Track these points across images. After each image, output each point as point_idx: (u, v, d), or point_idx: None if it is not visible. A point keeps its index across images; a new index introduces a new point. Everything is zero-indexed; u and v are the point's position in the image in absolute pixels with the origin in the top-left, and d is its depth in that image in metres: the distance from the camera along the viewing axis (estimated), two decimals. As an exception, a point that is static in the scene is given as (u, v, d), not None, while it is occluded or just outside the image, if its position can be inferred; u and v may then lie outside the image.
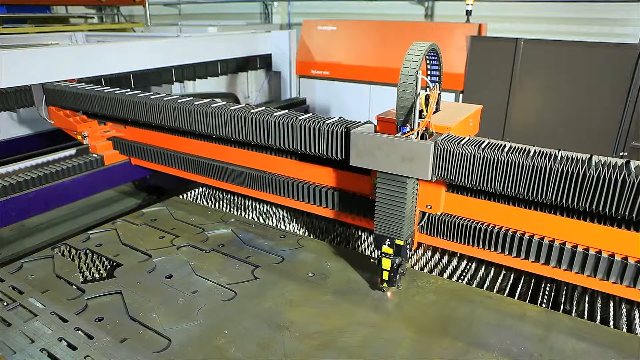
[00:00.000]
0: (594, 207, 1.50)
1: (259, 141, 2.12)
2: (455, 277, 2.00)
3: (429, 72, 1.93)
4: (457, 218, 1.87)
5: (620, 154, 3.86)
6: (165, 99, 2.40)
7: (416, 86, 1.60)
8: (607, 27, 5.82)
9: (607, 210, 1.49)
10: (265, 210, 2.64)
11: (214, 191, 2.94)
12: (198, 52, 4.33)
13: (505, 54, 4.14)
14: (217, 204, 2.77)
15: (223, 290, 1.83)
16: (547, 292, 1.88)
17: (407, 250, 1.80)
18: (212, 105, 2.24)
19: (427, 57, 1.90)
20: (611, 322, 1.70)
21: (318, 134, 1.93)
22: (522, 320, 1.65)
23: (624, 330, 1.68)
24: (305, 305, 1.74)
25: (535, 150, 1.62)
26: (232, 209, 2.69)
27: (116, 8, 10.84)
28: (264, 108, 2.19)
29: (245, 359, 1.48)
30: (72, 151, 3.23)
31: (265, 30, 5.24)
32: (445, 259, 2.14)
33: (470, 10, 5.03)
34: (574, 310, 1.83)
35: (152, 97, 2.46)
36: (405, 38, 4.62)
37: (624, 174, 1.45)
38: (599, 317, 1.76)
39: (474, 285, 1.93)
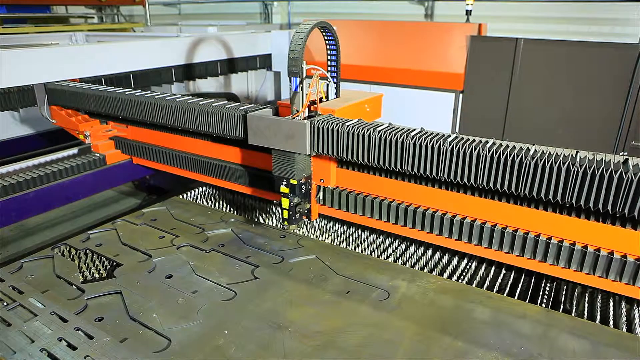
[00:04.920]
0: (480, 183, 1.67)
1: (186, 127, 2.38)
2: (455, 277, 2.00)
3: (329, 63, 2.23)
4: (346, 190, 2.09)
5: (621, 153, 3.86)
6: (148, 96, 2.50)
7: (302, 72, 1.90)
8: (607, 27, 5.82)
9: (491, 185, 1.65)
10: (265, 210, 2.64)
11: (214, 191, 2.94)
12: (198, 52, 4.33)
13: (505, 54, 4.13)
14: (217, 203, 2.77)
15: (223, 290, 1.83)
16: (547, 292, 1.88)
17: (302, 191, 2.03)
18: (156, 96, 2.47)
19: (329, 54, 2.22)
20: (611, 322, 1.70)
21: (226, 118, 2.18)
22: (522, 320, 1.65)
23: (624, 330, 1.68)
24: (305, 305, 1.74)
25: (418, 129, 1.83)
26: (232, 209, 2.68)
27: (116, 8, 10.83)
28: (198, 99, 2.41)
29: (245, 359, 1.48)
30: (74, 150, 3.22)
31: (265, 30, 5.24)
32: (445, 259, 2.14)
33: (470, 10, 5.02)
34: (573, 310, 1.83)
35: (146, 96, 2.51)
36: (405, 38, 4.61)
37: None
38: (599, 317, 1.76)
39: (474, 285, 1.93)
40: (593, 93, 3.86)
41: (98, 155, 2.91)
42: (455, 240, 1.89)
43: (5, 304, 1.74)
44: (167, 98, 2.42)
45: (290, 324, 1.64)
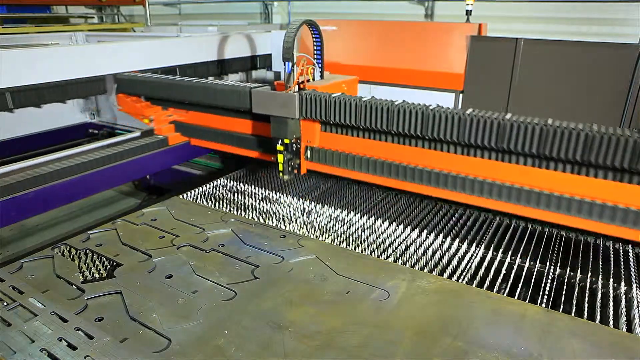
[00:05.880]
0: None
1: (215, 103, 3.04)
2: (455, 277, 2.00)
3: (315, 52, 2.87)
4: (327, 149, 2.70)
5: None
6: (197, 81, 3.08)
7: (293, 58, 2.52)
8: (607, 27, 5.82)
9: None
10: (265, 210, 2.64)
11: (214, 191, 2.94)
12: (198, 52, 4.33)
13: (505, 54, 4.13)
14: (217, 203, 2.77)
15: (223, 290, 1.83)
16: (546, 292, 1.88)
17: (293, 149, 2.66)
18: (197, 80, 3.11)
19: (315, 45, 2.85)
20: (611, 322, 1.70)
21: (241, 94, 2.80)
22: (522, 320, 1.65)
23: (624, 330, 1.68)
24: (305, 305, 1.74)
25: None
26: (232, 209, 2.68)
27: (116, 8, 10.82)
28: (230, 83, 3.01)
29: (245, 359, 1.48)
30: (137, 133, 3.51)
31: (265, 30, 5.23)
32: (445, 259, 2.14)
33: (470, 10, 5.02)
34: (573, 310, 1.83)
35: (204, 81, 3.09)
36: (405, 38, 4.61)
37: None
38: (599, 317, 1.76)
39: (474, 285, 1.93)
40: (593, 93, 3.86)
41: (161, 137, 3.31)
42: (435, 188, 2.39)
43: (5, 304, 1.74)
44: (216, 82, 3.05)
45: (290, 324, 1.64)
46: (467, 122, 2.15)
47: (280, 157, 2.63)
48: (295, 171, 2.73)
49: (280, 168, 2.66)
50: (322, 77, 2.92)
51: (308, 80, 2.75)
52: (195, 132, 3.37)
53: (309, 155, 2.73)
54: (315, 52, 2.85)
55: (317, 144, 2.73)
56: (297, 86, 2.60)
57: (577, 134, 1.94)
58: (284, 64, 2.54)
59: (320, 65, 2.89)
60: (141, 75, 3.43)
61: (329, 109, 2.49)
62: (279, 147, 2.62)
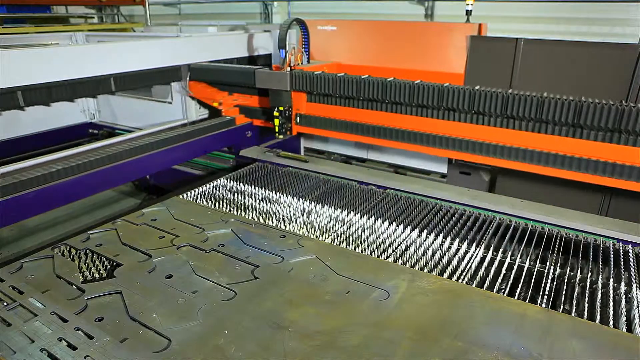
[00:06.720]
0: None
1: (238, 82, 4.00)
2: (455, 277, 2.00)
3: (303, 42, 3.92)
4: (311, 115, 3.62)
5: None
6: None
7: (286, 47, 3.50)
8: (607, 27, 5.82)
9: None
10: (265, 210, 2.64)
11: (214, 191, 2.94)
12: (198, 52, 4.32)
13: (505, 54, 4.13)
14: (217, 203, 2.77)
15: (223, 290, 1.83)
16: (546, 292, 1.88)
17: (286, 115, 3.60)
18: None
19: (303, 37, 3.92)
20: (611, 322, 1.70)
21: (248, 74, 3.76)
22: (522, 320, 1.65)
23: (624, 330, 1.68)
24: (305, 305, 1.74)
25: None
26: (232, 209, 2.68)
27: (116, 8, 10.83)
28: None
29: (245, 359, 1.48)
30: (205, 115, 4.30)
31: (265, 30, 5.23)
32: (445, 259, 2.14)
33: (470, 10, 5.02)
34: (573, 310, 1.83)
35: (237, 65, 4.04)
36: (405, 38, 4.61)
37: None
38: (599, 317, 1.76)
39: (474, 285, 1.93)
40: (593, 93, 3.85)
41: (228, 118, 3.96)
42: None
43: (5, 304, 1.74)
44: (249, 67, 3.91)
45: (290, 324, 1.64)
46: (416, 89, 3.11)
47: (276, 121, 3.56)
48: (288, 133, 3.64)
49: (276, 130, 3.60)
50: (308, 61, 3.92)
51: (297, 64, 3.69)
52: (254, 114, 4.09)
53: (298, 121, 3.60)
54: (303, 42, 3.91)
55: (304, 111, 3.60)
56: (289, 67, 3.48)
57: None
58: (279, 51, 3.46)
59: (307, 52, 3.90)
60: (215, 65, 4.23)
61: (312, 83, 3.40)
62: (275, 113, 3.54)
